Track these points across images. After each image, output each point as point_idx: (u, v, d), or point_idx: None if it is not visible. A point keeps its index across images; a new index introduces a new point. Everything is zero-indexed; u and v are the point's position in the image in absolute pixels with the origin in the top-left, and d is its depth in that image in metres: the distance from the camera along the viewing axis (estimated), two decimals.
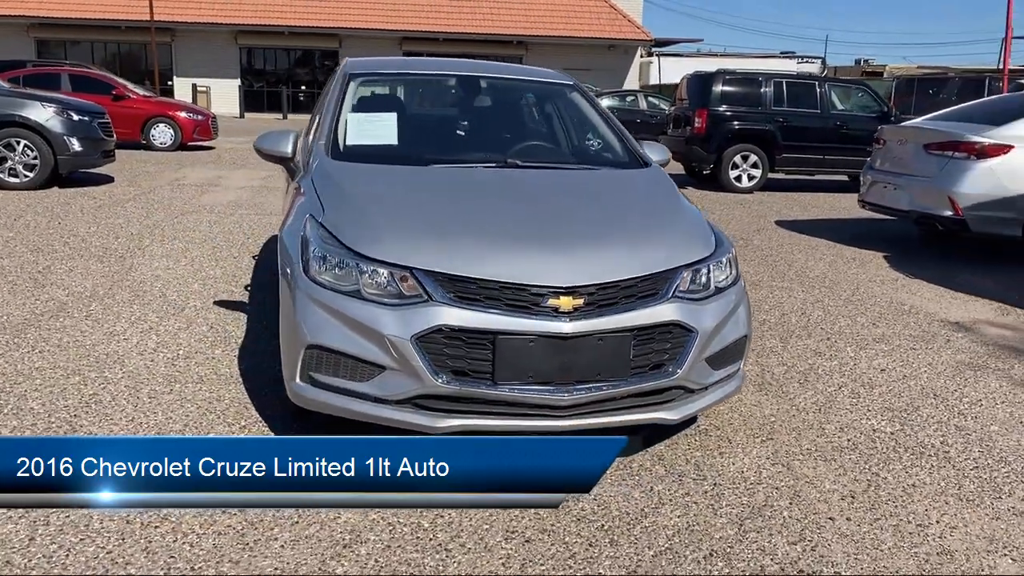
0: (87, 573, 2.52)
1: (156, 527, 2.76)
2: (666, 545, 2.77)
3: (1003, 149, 7.66)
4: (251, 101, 32.96)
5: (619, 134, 4.49)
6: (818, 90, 13.24)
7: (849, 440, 3.69)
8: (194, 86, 31.46)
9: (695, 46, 52.79)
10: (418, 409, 3.04)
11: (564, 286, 3.00)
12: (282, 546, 2.68)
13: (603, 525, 2.88)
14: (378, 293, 3.06)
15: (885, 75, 41.40)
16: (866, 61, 54.38)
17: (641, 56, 35.74)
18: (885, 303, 6.25)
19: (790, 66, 39.90)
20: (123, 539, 2.68)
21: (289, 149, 4.15)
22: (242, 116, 31.42)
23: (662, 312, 3.12)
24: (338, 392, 3.13)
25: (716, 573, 2.62)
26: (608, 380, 3.06)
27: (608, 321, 3.03)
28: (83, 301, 5.44)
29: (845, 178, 14.47)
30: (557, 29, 33.44)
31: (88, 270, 6.30)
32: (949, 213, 7.77)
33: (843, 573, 2.65)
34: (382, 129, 4.21)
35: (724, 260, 3.43)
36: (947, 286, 6.90)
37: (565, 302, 2.99)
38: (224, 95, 31.84)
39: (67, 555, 2.59)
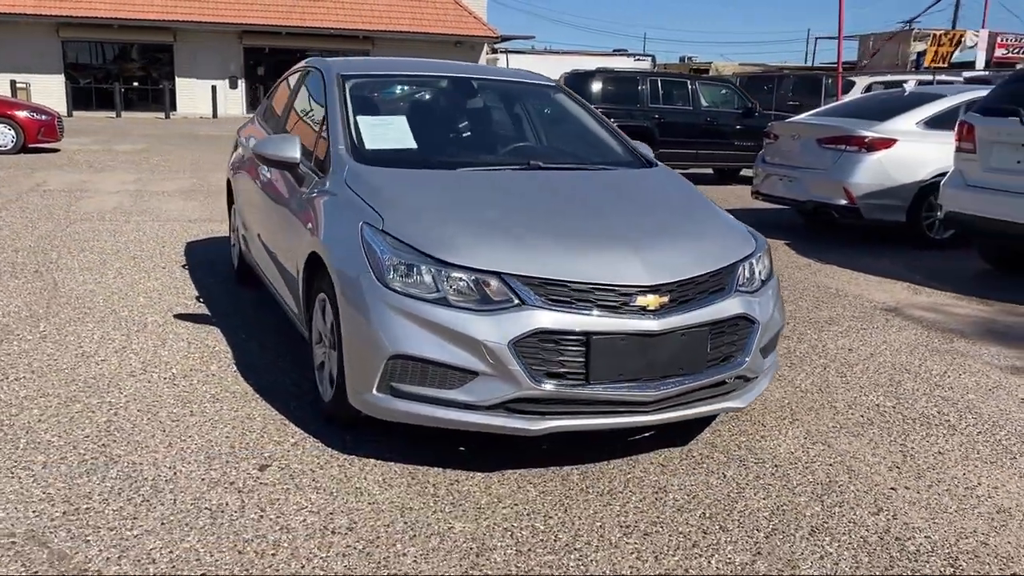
0: None
1: (272, 555, 2.64)
2: (770, 527, 2.93)
3: (889, 143, 8.39)
4: (79, 99, 30.73)
5: (615, 134, 4.63)
6: (689, 87, 13.92)
7: (863, 416, 3.99)
8: (12, 82, 28.99)
9: (528, 43, 53.66)
10: (511, 413, 3.05)
11: (649, 284, 3.10)
12: (415, 560, 2.64)
13: (704, 513, 3.00)
14: (464, 299, 3.04)
15: (711, 72, 43.78)
16: (690, 58, 57.13)
17: (487, 53, 36.07)
18: (814, 287, 6.72)
19: (627, 63, 41.56)
20: (247, 570, 2.55)
21: (297, 154, 4.00)
22: (70, 115, 29.22)
23: (731, 306, 3.28)
24: (423, 401, 3.09)
25: (829, 549, 2.80)
26: (688, 374, 3.18)
27: (689, 317, 3.15)
28: (26, 321, 5.01)
29: (710, 171, 15.29)
30: (403, 24, 33.17)
31: (8, 288, 5.78)
32: (844, 202, 8.43)
33: (933, 537, 2.90)
34: (395, 132, 4.13)
35: (762, 254, 3.62)
36: (855, 269, 7.49)
37: (652, 300, 3.09)
38: (47, 92, 29.49)
39: None
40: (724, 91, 14.63)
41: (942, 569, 2.71)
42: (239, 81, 32.76)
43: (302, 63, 5.28)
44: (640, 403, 3.11)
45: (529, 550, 2.72)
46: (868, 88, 19.22)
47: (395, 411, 3.15)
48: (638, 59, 41.22)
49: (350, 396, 3.28)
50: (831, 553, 2.77)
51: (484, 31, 34.09)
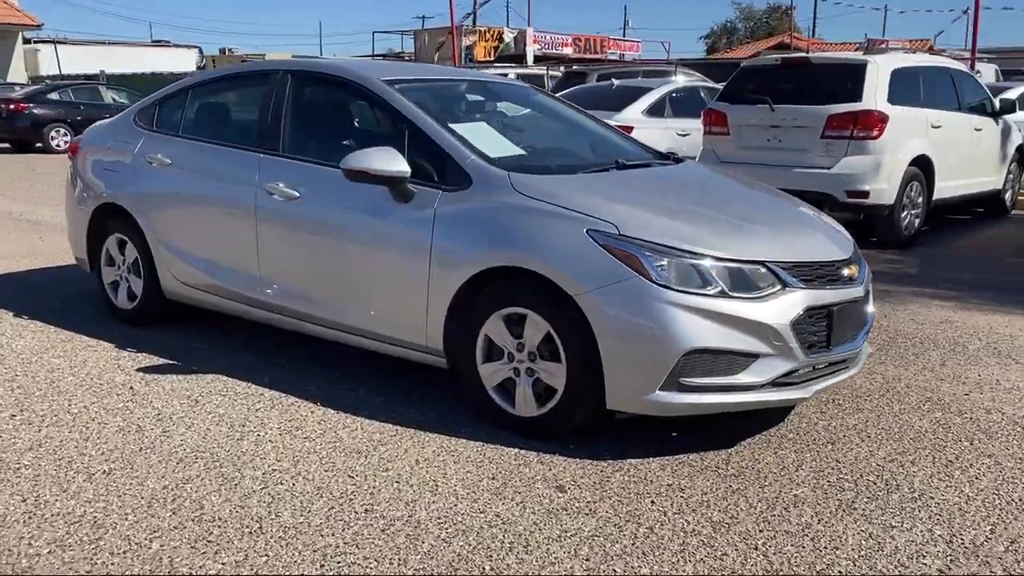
0: None
1: (723, 555, 2.72)
2: (961, 435, 3.69)
3: (628, 129, 9.62)
4: None
5: (614, 130, 4.97)
6: None
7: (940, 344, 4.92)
8: None
9: (61, 33, 47.72)
10: (780, 386, 3.39)
11: (845, 257, 3.66)
12: (827, 524, 2.91)
13: (915, 437, 3.65)
14: (738, 289, 3.29)
15: None
16: (230, 50, 55.60)
17: (27, 44, 31.45)
18: None
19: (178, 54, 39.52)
20: (724, 571, 2.62)
21: (408, 168, 3.72)
22: None
23: (866, 270, 3.97)
24: (709, 390, 3.29)
25: (1013, 439, 3.65)
26: (863, 329, 3.80)
27: (865, 281, 3.77)
28: None
29: None
30: None
31: None
32: None
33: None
34: (490, 139, 4.02)
35: None
36: None
37: (853, 270, 3.65)
38: None
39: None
40: None
41: None
42: None
43: (258, 67, 4.75)
44: (850, 359, 3.67)
45: (878, 493, 3.14)
46: None
47: (680, 405, 3.28)
48: (201, 54, 39.41)
49: (614, 400, 3.32)
50: (1016, 439, 3.63)
51: (20, 18, 29.71)
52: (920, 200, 8.41)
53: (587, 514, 2.96)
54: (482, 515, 2.95)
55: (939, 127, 8.48)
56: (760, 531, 2.86)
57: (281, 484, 3.16)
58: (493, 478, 3.22)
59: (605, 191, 3.71)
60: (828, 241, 3.70)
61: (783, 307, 3.32)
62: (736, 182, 4.44)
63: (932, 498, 3.11)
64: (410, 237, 3.76)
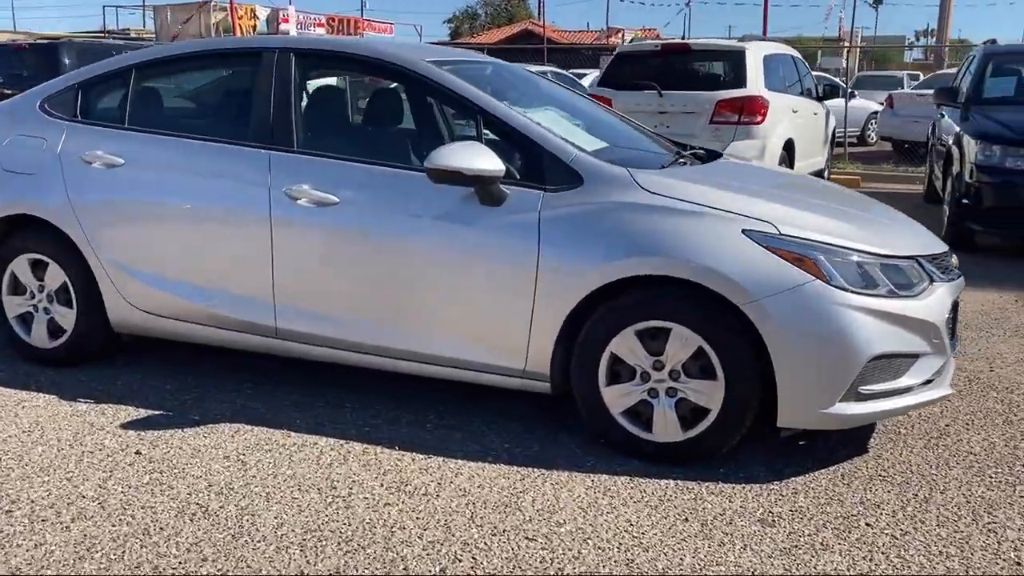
0: None
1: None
2: None
3: None
4: None
5: (626, 118, 4.63)
6: None
7: None
8: None
9: None
10: (927, 385, 3.27)
11: (948, 248, 3.62)
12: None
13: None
14: (900, 287, 3.13)
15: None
16: None
17: None
18: None
19: None
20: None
21: (503, 165, 3.18)
22: None
23: None
24: (879, 397, 3.10)
25: None
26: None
27: None
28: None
29: None
30: None
31: None
32: None
33: None
34: (567, 130, 3.54)
35: None
36: None
37: (956, 260, 3.62)
38: None
39: None
40: None
41: None
42: None
43: (237, 44, 3.91)
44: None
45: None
46: None
47: (855, 416, 3.07)
48: None
49: (787, 417, 3.04)
50: None
51: None
52: None
53: (823, 549, 2.67)
54: (721, 567, 2.56)
55: (796, 112, 8.97)
56: (1000, 543, 2.72)
57: (459, 560, 2.57)
58: (686, 520, 2.83)
59: (731, 187, 3.39)
60: (926, 232, 3.65)
61: (939, 303, 3.20)
62: (800, 175, 4.30)
63: None
64: (508, 246, 3.23)
